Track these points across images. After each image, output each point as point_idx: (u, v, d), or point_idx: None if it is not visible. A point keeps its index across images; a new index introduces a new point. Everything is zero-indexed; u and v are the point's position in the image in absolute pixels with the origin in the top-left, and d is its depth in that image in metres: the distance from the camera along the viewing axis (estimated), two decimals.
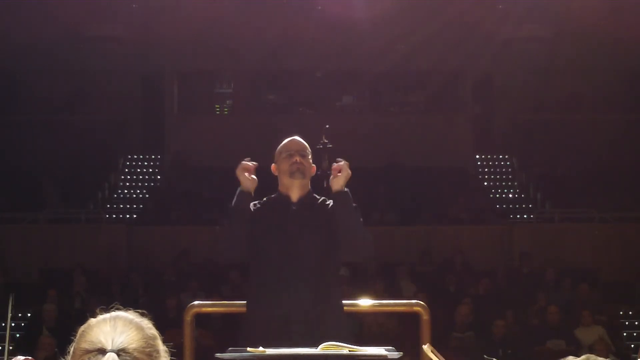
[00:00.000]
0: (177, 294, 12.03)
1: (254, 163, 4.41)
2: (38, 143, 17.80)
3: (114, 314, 1.99)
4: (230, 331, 9.82)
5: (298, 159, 4.34)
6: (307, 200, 4.37)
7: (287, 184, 4.36)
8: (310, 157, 4.42)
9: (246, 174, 4.35)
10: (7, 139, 17.72)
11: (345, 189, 4.31)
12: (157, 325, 2.05)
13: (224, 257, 4.47)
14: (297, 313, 4.12)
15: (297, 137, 4.47)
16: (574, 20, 14.97)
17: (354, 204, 4.34)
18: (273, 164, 4.43)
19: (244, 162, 4.40)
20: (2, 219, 15.41)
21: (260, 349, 3.65)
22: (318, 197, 4.43)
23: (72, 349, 1.96)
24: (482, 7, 14.97)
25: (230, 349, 3.71)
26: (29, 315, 12.89)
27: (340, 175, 4.30)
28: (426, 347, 3.43)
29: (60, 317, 11.34)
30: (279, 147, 4.45)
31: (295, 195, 4.36)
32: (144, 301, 11.82)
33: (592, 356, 3.08)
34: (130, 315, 1.99)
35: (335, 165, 4.34)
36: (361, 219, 4.39)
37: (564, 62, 17.53)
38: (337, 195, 4.30)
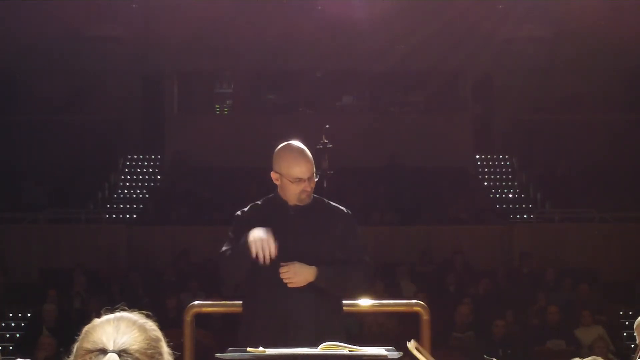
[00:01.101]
0: (177, 294, 12.03)
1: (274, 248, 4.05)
2: (38, 143, 17.80)
3: (118, 314, 2.00)
4: (230, 331, 9.81)
5: (308, 189, 4.20)
6: (306, 206, 4.29)
7: (290, 198, 4.26)
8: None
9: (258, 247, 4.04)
10: (7, 139, 17.72)
11: (316, 274, 4.10)
12: (158, 326, 2.05)
13: (225, 286, 4.46)
14: (294, 317, 4.10)
15: (304, 156, 4.22)
16: (574, 20, 14.97)
17: (337, 271, 4.17)
18: (273, 172, 4.25)
19: (268, 245, 4.02)
20: (2, 219, 15.42)
21: (260, 349, 3.65)
22: (316, 196, 4.36)
23: (75, 349, 1.96)
24: (482, 7, 14.97)
25: (230, 349, 3.71)
26: (29, 315, 12.89)
27: (292, 281, 4.10)
28: (410, 345, 3.40)
29: (60, 317, 11.34)
30: (284, 161, 4.21)
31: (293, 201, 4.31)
32: (144, 301, 11.82)
33: (599, 358, 3.07)
34: (134, 316, 2.00)
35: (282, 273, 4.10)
36: (350, 273, 4.22)
37: (564, 62, 17.52)
38: (316, 284, 4.14)
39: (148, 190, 18.15)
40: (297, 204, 4.25)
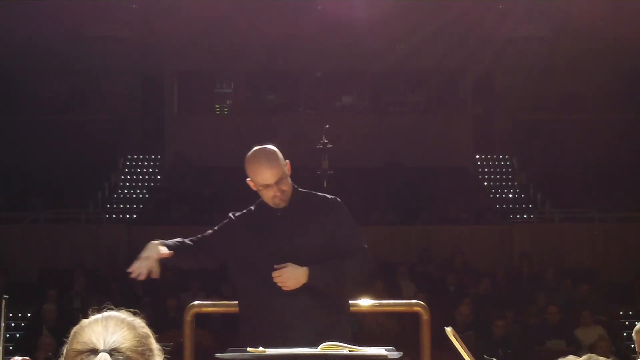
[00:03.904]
0: (177, 294, 12.03)
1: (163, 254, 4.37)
2: (38, 143, 17.81)
3: (105, 314, 1.99)
4: (230, 331, 9.82)
5: (278, 193, 4.16)
6: (292, 203, 4.24)
7: (268, 202, 4.25)
8: (284, 169, 4.18)
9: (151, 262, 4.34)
10: (7, 139, 17.73)
11: (309, 275, 4.06)
12: (157, 325, 2.04)
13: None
14: (289, 319, 4.08)
15: (266, 161, 4.16)
16: (574, 20, 14.98)
17: (331, 273, 4.13)
18: (249, 180, 4.22)
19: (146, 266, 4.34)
20: (2, 219, 15.42)
21: (260, 349, 3.65)
22: (303, 191, 4.32)
23: (64, 351, 1.95)
24: (482, 7, 14.99)
25: (230, 349, 3.70)
26: (29, 315, 12.88)
27: (286, 284, 4.06)
28: (448, 330, 3.40)
29: (60, 317, 11.34)
30: (249, 169, 4.20)
31: None
32: (144, 301, 11.83)
33: (594, 356, 3.08)
34: (122, 314, 1.99)
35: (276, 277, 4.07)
36: (345, 272, 4.17)
37: (564, 62, 17.53)
38: (310, 285, 4.11)
39: (148, 190, 18.15)
40: (275, 207, 4.22)
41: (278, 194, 4.16)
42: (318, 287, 4.10)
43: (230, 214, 4.41)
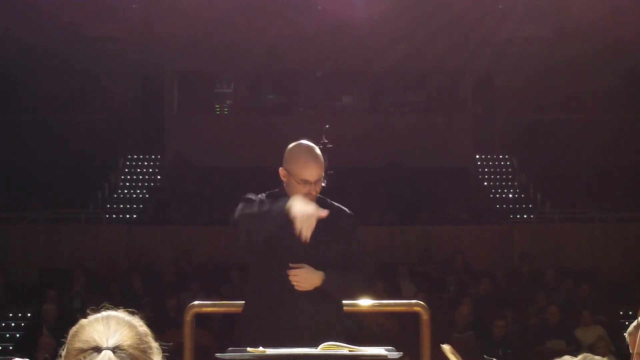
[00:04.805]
0: (177, 294, 12.03)
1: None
2: (38, 143, 17.80)
3: (105, 313, 2.02)
4: (230, 331, 9.82)
5: (313, 193, 4.15)
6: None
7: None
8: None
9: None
10: (7, 139, 17.72)
11: (323, 279, 4.08)
12: (157, 325, 2.08)
13: (240, 249, 4.37)
14: (299, 318, 4.09)
15: (316, 159, 4.14)
16: (574, 20, 14.98)
17: (340, 277, 4.15)
18: (282, 169, 4.19)
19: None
20: (2, 219, 15.42)
21: (260, 349, 3.64)
22: (320, 196, 4.32)
23: (64, 350, 1.97)
24: (482, 7, 14.98)
25: (230, 349, 3.70)
26: (29, 315, 12.89)
27: (300, 285, 4.07)
28: (447, 348, 3.41)
29: (60, 317, 11.34)
30: (295, 161, 4.14)
31: None
32: (144, 301, 11.83)
33: (589, 355, 3.08)
34: (121, 314, 2.02)
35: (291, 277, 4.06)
36: (352, 279, 4.21)
37: (564, 62, 17.52)
38: (322, 289, 4.12)
39: (148, 190, 18.15)
40: None
41: (313, 192, 4.15)
42: (329, 292, 4.14)
43: (248, 195, 4.25)
